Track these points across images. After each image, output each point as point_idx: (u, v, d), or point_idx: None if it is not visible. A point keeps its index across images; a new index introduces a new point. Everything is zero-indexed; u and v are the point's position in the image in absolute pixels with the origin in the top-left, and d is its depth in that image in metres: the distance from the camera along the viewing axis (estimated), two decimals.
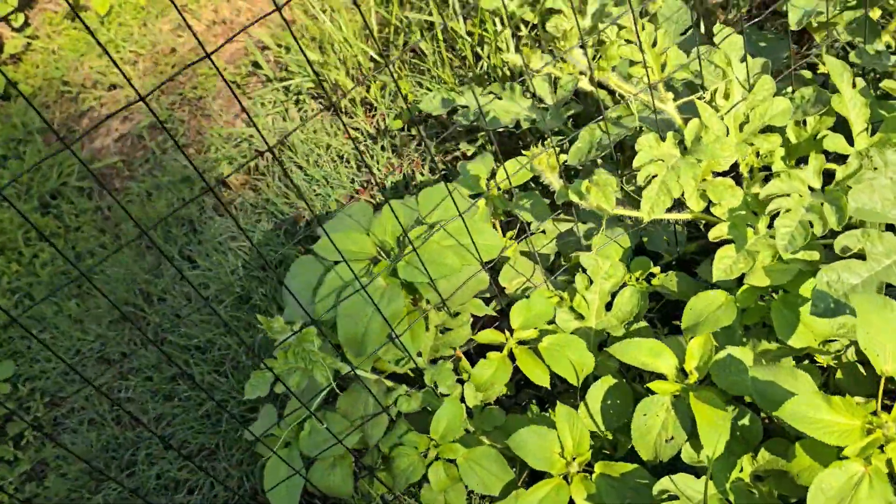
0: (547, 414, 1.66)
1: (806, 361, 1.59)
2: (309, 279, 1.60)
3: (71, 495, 2.17)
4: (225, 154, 2.74)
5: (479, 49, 2.48)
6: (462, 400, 1.64)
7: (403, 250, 1.56)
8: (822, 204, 1.47)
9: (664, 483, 1.38)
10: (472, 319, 1.62)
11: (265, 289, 2.30)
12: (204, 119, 2.90)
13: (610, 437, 1.59)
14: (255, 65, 2.95)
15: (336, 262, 1.56)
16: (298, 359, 1.42)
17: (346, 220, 1.65)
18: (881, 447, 1.24)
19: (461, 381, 1.66)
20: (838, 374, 1.57)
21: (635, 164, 1.52)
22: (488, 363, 1.60)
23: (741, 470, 1.44)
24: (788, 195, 1.51)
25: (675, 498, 1.37)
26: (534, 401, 1.82)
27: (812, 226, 1.44)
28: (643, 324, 1.66)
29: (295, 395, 1.47)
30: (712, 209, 1.61)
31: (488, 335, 1.61)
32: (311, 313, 1.52)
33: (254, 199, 2.56)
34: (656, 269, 1.74)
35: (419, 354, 1.61)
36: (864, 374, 1.58)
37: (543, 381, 1.57)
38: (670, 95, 1.65)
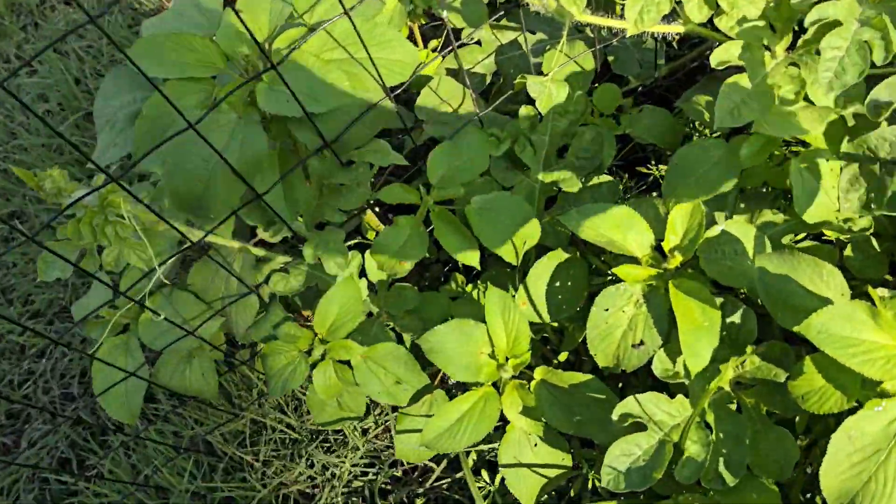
0: (474, 293, 1.18)
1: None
2: (129, 103, 1.00)
3: None
4: None
5: None
6: (363, 274, 1.14)
7: (267, 65, 0.96)
8: (881, 15, 0.93)
9: (629, 405, 0.95)
10: (373, 170, 1.08)
11: None
12: None
13: (555, 325, 1.13)
14: None
15: (166, 80, 0.95)
16: (100, 232, 0.86)
17: (182, 16, 1.02)
18: None
19: (363, 247, 1.15)
20: (847, 251, 1.12)
21: None
22: (397, 230, 1.08)
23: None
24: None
25: (643, 427, 0.94)
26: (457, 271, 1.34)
27: (871, 51, 0.92)
28: (607, 178, 1.15)
29: (109, 285, 0.93)
30: (716, 21, 1.05)
31: (397, 192, 1.08)
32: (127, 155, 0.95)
33: None
34: (627, 102, 1.20)
35: (300, 217, 1.07)
36: (878, 249, 1.14)
37: (472, 259, 1.07)
38: None
